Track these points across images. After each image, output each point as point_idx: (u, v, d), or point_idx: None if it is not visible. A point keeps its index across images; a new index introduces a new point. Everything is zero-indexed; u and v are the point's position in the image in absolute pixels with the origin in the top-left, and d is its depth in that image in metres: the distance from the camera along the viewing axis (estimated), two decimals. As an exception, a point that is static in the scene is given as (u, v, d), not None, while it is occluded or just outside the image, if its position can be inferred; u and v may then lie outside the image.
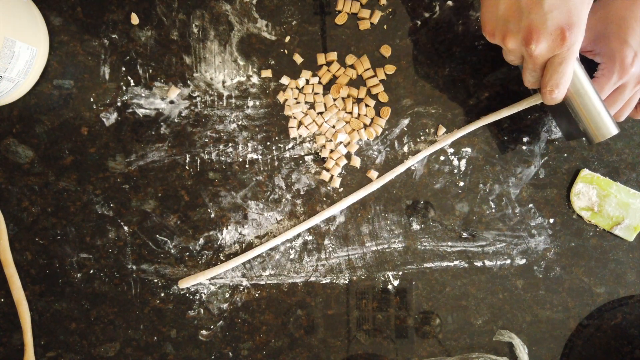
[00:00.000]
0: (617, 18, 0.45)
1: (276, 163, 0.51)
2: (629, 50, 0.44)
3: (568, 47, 0.40)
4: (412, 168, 0.52)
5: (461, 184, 0.52)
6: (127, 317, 0.51)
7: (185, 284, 0.50)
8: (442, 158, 0.52)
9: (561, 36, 0.39)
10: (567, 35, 0.39)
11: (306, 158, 0.52)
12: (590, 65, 0.46)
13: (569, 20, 0.38)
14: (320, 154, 0.51)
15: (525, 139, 0.52)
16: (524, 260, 0.53)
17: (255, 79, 0.51)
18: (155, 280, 0.51)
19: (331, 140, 0.51)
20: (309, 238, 0.52)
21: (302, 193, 0.52)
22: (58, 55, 0.50)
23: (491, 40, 0.43)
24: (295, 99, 0.51)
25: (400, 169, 0.51)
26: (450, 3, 0.51)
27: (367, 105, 0.51)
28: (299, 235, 0.52)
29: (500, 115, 0.50)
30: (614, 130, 0.44)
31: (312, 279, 0.52)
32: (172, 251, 0.51)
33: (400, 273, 0.53)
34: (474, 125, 0.51)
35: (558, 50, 0.40)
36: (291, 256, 0.52)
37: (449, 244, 0.52)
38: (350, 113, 0.51)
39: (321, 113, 0.51)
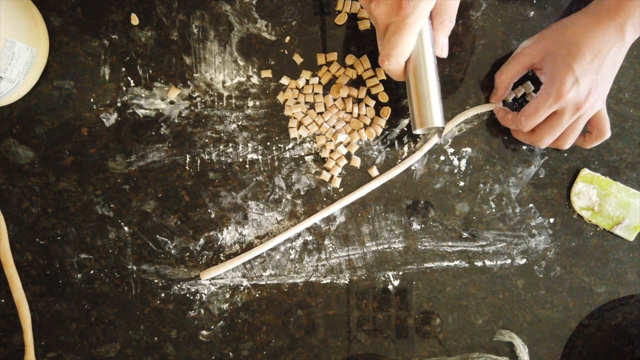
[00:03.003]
0: (570, 42, 0.44)
1: (276, 163, 0.52)
2: (571, 75, 0.43)
3: (403, 17, 0.37)
4: (412, 168, 0.52)
5: (461, 183, 0.52)
6: (127, 317, 0.51)
7: (207, 275, 0.50)
8: (442, 158, 0.52)
9: (399, 3, 0.37)
10: (404, 4, 0.36)
11: (306, 158, 0.52)
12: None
13: None
14: (320, 154, 0.51)
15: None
16: (524, 260, 0.53)
17: (255, 79, 0.51)
18: (156, 281, 0.51)
19: (331, 141, 0.51)
20: (309, 238, 0.52)
21: (302, 193, 0.52)
22: (58, 56, 0.50)
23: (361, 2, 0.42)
24: (295, 99, 0.51)
25: (403, 166, 0.51)
26: (450, 3, 0.51)
27: (367, 105, 0.51)
28: (299, 235, 0.52)
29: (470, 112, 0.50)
30: (438, 122, 0.41)
31: (313, 279, 0.52)
32: (173, 251, 0.51)
33: (400, 273, 0.53)
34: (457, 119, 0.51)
35: (394, 17, 0.38)
36: (291, 256, 0.52)
37: (450, 243, 0.52)
38: (350, 113, 0.51)
39: (321, 113, 0.51)
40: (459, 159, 0.52)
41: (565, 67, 0.43)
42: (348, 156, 0.52)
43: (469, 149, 0.52)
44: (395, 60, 0.40)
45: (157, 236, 0.51)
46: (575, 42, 0.44)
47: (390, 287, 0.53)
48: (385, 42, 0.39)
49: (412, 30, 0.39)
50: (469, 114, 0.51)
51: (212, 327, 0.52)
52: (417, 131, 0.44)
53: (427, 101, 0.41)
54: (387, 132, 0.52)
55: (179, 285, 0.52)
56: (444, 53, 0.44)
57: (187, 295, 0.52)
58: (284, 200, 0.52)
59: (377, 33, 0.42)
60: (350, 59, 0.51)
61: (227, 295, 0.52)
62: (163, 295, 0.52)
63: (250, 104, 0.51)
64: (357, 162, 0.51)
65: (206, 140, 0.51)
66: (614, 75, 0.45)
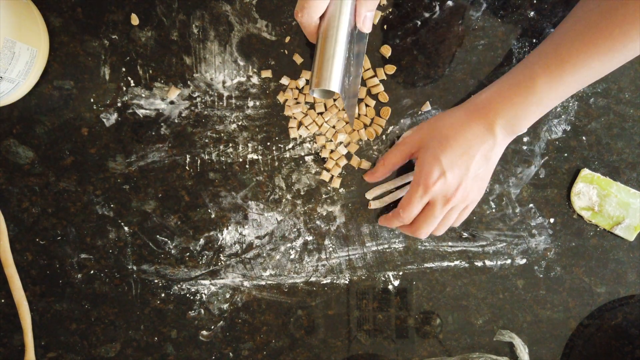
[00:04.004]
0: (441, 135, 0.45)
1: (276, 163, 0.52)
2: (437, 167, 0.44)
3: None
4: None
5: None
6: (127, 317, 0.51)
7: (371, 194, 0.51)
8: (442, 158, 0.52)
9: None
10: None
11: (306, 158, 0.52)
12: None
13: None
14: (320, 154, 0.51)
15: (525, 139, 0.52)
16: (524, 260, 0.53)
17: (255, 80, 0.51)
18: (156, 281, 0.51)
19: (331, 141, 0.51)
20: (309, 238, 0.52)
21: (302, 193, 0.52)
22: (58, 56, 0.50)
23: None
24: (295, 99, 0.51)
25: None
26: (450, 3, 0.51)
27: (367, 105, 0.51)
28: (299, 235, 0.52)
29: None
30: (334, 86, 0.40)
31: (313, 279, 0.52)
32: (173, 252, 0.51)
33: (400, 273, 0.53)
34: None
35: None
36: (291, 256, 0.52)
37: (450, 244, 0.52)
38: (351, 113, 0.51)
39: (321, 113, 0.51)
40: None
41: (433, 158, 0.44)
42: (348, 156, 0.52)
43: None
44: (307, 14, 0.39)
45: (157, 236, 0.51)
46: (446, 136, 0.44)
47: (390, 287, 0.53)
48: None
49: None
50: (397, 183, 0.51)
51: (212, 327, 0.52)
52: (313, 93, 0.43)
53: (329, 63, 0.40)
54: (387, 132, 0.52)
55: (179, 286, 0.52)
56: (365, 27, 0.43)
57: (187, 295, 0.52)
58: (284, 200, 0.52)
59: None
60: (350, 59, 0.51)
61: (227, 296, 0.52)
62: (163, 295, 0.52)
63: (250, 104, 0.51)
64: (356, 162, 0.51)
65: (206, 140, 0.51)
66: (489, 173, 0.46)
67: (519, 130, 0.44)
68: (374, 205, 0.51)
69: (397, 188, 0.52)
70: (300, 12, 0.40)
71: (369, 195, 0.51)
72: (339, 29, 0.40)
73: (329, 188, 0.52)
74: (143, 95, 0.51)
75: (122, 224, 0.51)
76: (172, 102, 0.51)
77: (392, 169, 0.50)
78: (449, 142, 0.44)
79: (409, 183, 0.51)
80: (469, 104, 0.46)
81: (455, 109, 0.47)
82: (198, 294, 0.52)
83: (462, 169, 0.44)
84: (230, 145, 0.51)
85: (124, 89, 0.51)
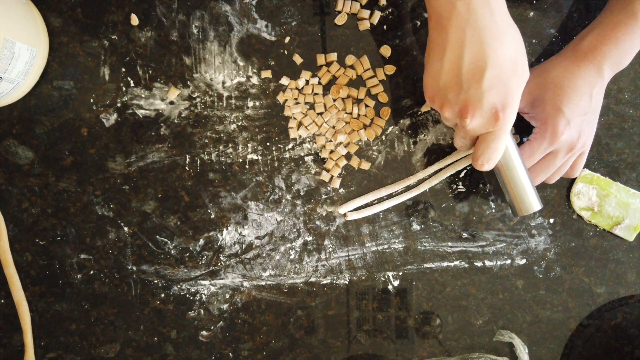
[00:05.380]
0: (554, 85, 0.45)
1: (276, 164, 0.52)
2: (562, 118, 0.44)
3: (501, 127, 0.40)
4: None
5: (461, 184, 0.52)
6: (127, 318, 0.51)
7: (345, 208, 0.51)
8: (442, 158, 0.52)
9: (495, 116, 0.40)
10: (501, 116, 0.39)
11: (306, 158, 0.52)
12: (527, 126, 0.48)
13: (504, 101, 0.39)
14: (320, 154, 0.51)
15: (525, 139, 0.52)
16: (524, 261, 0.53)
17: (255, 80, 0.51)
18: (156, 281, 0.51)
19: (331, 141, 0.51)
20: (309, 238, 0.52)
21: (302, 193, 0.52)
22: (58, 56, 0.50)
23: (430, 105, 0.44)
24: (295, 99, 0.51)
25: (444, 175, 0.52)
26: (449, 3, 0.51)
27: (367, 106, 0.51)
28: (298, 235, 0.52)
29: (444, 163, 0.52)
30: (537, 206, 0.45)
31: (313, 279, 0.52)
32: (172, 252, 0.51)
33: (400, 273, 0.53)
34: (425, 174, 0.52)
35: (491, 128, 0.41)
36: (291, 257, 0.52)
37: (449, 244, 0.52)
38: (350, 113, 0.51)
39: (321, 113, 0.51)
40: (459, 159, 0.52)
41: (555, 110, 0.45)
42: (348, 156, 0.52)
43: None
44: (494, 162, 0.43)
45: (157, 236, 0.51)
46: (559, 85, 0.45)
47: (390, 287, 0.53)
48: (485, 149, 0.42)
49: (507, 135, 0.42)
50: (451, 169, 0.51)
51: (212, 327, 0.52)
52: (520, 216, 0.49)
53: (524, 191, 0.45)
54: (387, 132, 0.52)
55: (178, 286, 0.52)
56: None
57: (187, 295, 0.52)
58: (283, 200, 0.52)
59: (461, 135, 0.44)
60: (350, 60, 0.51)
61: (227, 296, 0.52)
62: (163, 295, 0.51)
63: (250, 104, 0.51)
64: (356, 162, 0.51)
65: (206, 141, 0.51)
66: (598, 113, 0.47)
67: (623, 65, 0.46)
68: (351, 216, 0.51)
69: (372, 202, 0.52)
70: (486, 164, 0.43)
71: (342, 209, 0.51)
72: (513, 159, 0.45)
73: (328, 188, 0.52)
74: (143, 96, 0.51)
75: (122, 224, 0.51)
76: (171, 103, 0.51)
77: None
78: (565, 91, 0.45)
79: (381, 199, 0.51)
80: (573, 51, 0.46)
81: (559, 58, 0.47)
82: (198, 295, 0.52)
83: (581, 115, 0.45)
84: (230, 145, 0.51)
85: (124, 89, 0.51)
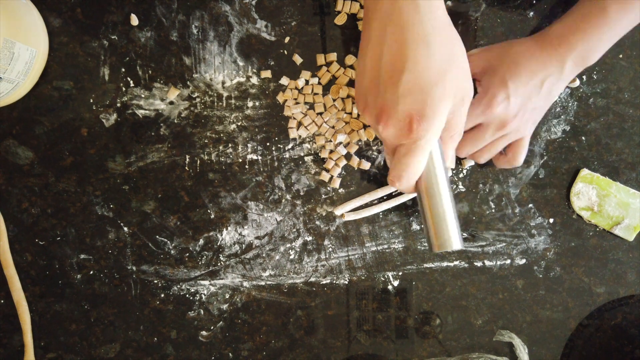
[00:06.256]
0: (511, 60, 0.44)
1: (276, 164, 0.52)
2: (503, 91, 0.43)
3: (414, 140, 0.36)
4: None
5: (461, 184, 0.52)
6: (127, 318, 0.51)
7: (341, 209, 0.51)
8: (441, 158, 0.52)
9: (408, 126, 0.35)
10: (415, 127, 0.35)
11: (306, 159, 0.52)
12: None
13: (420, 110, 0.35)
14: (319, 154, 0.51)
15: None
16: (524, 260, 0.53)
17: (254, 80, 0.51)
18: (155, 281, 0.51)
19: (331, 141, 0.51)
20: (309, 238, 0.52)
21: (302, 194, 0.52)
22: (58, 57, 0.50)
23: (357, 109, 0.41)
24: (295, 99, 0.51)
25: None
26: (450, 3, 0.51)
27: (366, 106, 0.51)
28: (298, 235, 0.52)
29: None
30: (455, 244, 0.39)
31: (312, 279, 0.52)
32: (172, 252, 0.51)
33: (400, 273, 0.53)
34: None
35: (404, 139, 0.36)
36: (291, 257, 0.52)
37: (449, 244, 0.52)
38: (350, 113, 0.51)
39: (321, 113, 0.51)
40: (459, 159, 0.52)
41: (501, 81, 0.44)
42: (348, 156, 0.52)
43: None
44: (407, 181, 0.38)
45: (157, 237, 0.51)
46: (515, 62, 0.44)
47: (389, 287, 0.53)
48: (396, 163, 0.37)
49: (424, 152, 0.37)
50: (366, 199, 0.51)
51: (212, 327, 0.52)
52: (434, 252, 0.43)
53: (444, 222, 0.39)
54: (386, 132, 0.52)
55: (178, 286, 0.52)
56: (452, 164, 0.43)
57: (187, 295, 0.52)
58: (283, 200, 0.52)
59: (385, 149, 0.40)
60: (350, 59, 0.51)
61: (227, 296, 0.52)
62: (163, 295, 0.52)
63: (250, 104, 0.51)
64: (355, 162, 0.51)
65: (206, 141, 0.51)
66: (547, 106, 0.46)
67: (588, 62, 0.44)
68: (348, 217, 0.51)
69: (367, 205, 0.52)
70: (397, 181, 0.38)
71: (338, 211, 0.51)
72: (439, 184, 0.39)
73: (328, 188, 0.52)
74: (142, 96, 0.51)
75: (122, 224, 0.51)
76: (171, 103, 0.51)
77: None
78: (518, 68, 0.44)
79: (381, 199, 0.51)
80: (540, 36, 0.45)
81: (527, 39, 0.46)
82: (197, 295, 0.52)
83: (525, 98, 0.43)
84: (230, 145, 0.51)
85: (124, 89, 0.51)
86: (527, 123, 0.45)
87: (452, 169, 0.52)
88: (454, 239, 0.39)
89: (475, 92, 0.46)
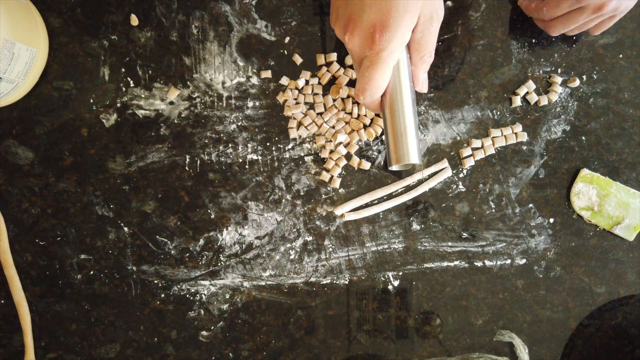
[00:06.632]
0: None
1: (276, 164, 0.52)
2: None
3: (377, 52, 0.36)
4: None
5: (461, 184, 0.52)
6: (127, 318, 0.51)
7: (341, 209, 0.51)
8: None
9: (372, 36, 0.36)
10: (377, 38, 0.35)
11: (306, 159, 0.52)
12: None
13: (384, 21, 0.35)
14: (320, 154, 0.51)
15: (525, 139, 0.52)
16: (524, 260, 0.53)
17: (254, 80, 0.51)
18: (156, 281, 0.51)
19: (331, 141, 0.51)
20: (309, 238, 0.52)
21: (302, 194, 0.52)
22: (58, 57, 0.50)
23: (331, 24, 0.41)
24: (295, 99, 0.51)
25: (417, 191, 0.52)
26: (450, 3, 0.51)
27: (366, 106, 0.51)
28: (299, 235, 0.52)
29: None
30: (414, 159, 0.40)
31: (313, 279, 0.52)
32: (172, 252, 0.51)
33: (400, 273, 0.53)
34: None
35: (368, 51, 0.37)
36: (291, 257, 0.52)
37: (449, 244, 0.52)
38: (350, 113, 0.51)
39: (321, 114, 0.51)
40: (459, 159, 0.52)
41: None
42: (348, 156, 0.52)
43: (468, 149, 0.52)
44: (370, 95, 0.39)
45: (157, 237, 0.51)
46: None
47: (390, 287, 0.53)
48: (360, 76, 0.38)
49: (386, 64, 0.37)
50: (366, 199, 0.51)
51: (212, 327, 0.52)
52: (393, 167, 0.43)
53: (403, 137, 0.40)
54: (386, 132, 0.52)
55: (178, 286, 0.52)
56: (424, 88, 0.43)
57: (187, 295, 0.52)
58: (283, 200, 0.52)
59: (354, 65, 0.40)
60: (350, 59, 0.51)
61: (227, 296, 0.52)
62: (163, 295, 0.52)
63: (250, 104, 0.51)
64: (355, 162, 0.51)
65: (206, 141, 0.51)
66: None
67: None
68: (349, 217, 0.51)
69: (367, 205, 0.52)
70: (361, 94, 0.39)
71: (338, 211, 0.51)
72: (403, 102, 0.39)
73: (328, 188, 0.52)
74: (142, 96, 0.51)
75: (122, 224, 0.51)
76: (171, 103, 0.51)
77: None
78: None
79: (381, 199, 0.51)
80: None
81: None
82: (198, 295, 0.52)
83: None
84: (230, 145, 0.51)
85: (124, 89, 0.51)
86: (627, 1, 0.42)
87: (423, 94, 0.49)
88: (412, 153, 0.40)
89: None
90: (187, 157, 0.51)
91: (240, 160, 0.51)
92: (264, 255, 0.52)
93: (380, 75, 0.38)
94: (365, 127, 0.52)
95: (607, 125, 0.53)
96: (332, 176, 0.51)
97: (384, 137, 0.41)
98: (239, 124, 0.51)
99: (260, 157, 0.51)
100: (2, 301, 0.51)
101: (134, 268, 0.51)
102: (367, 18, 0.36)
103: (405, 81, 0.40)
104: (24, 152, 0.50)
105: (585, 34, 0.51)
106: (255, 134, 0.51)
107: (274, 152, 0.51)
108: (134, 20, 0.50)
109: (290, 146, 0.52)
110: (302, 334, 0.52)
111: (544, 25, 0.47)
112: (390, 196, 0.52)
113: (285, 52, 0.51)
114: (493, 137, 0.52)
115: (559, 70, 0.52)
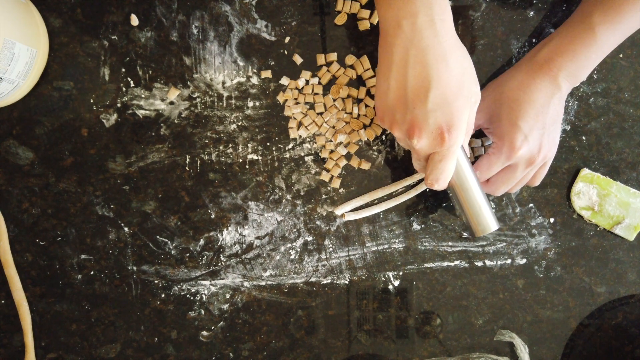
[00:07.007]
0: (510, 100, 0.45)
1: (276, 164, 0.52)
2: (519, 133, 0.44)
3: (447, 147, 0.40)
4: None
5: (461, 184, 0.52)
6: (127, 318, 0.51)
7: (341, 209, 0.51)
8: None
9: (441, 136, 0.39)
10: (446, 137, 0.39)
11: (306, 159, 0.52)
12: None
13: (449, 122, 0.39)
14: (320, 154, 0.51)
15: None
16: (524, 260, 0.53)
17: (255, 80, 0.51)
18: (156, 281, 0.51)
19: (331, 141, 0.51)
20: (310, 238, 0.52)
21: (302, 194, 0.52)
22: (58, 57, 0.50)
23: (381, 124, 0.44)
24: (295, 99, 0.51)
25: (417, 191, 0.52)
26: (449, 3, 0.51)
27: (367, 106, 0.51)
28: (299, 235, 0.52)
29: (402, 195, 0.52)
30: (493, 226, 0.45)
31: (313, 279, 0.52)
32: (173, 252, 0.51)
33: (400, 273, 0.53)
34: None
35: (438, 148, 0.40)
36: (292, 257, 0.52)
37: (450, 243, 0.52)
38: (350, 113, 0.51)
39: (321, 113, 0.51)
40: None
41: (512, 126, 0.44)
42: (348, 156, 0.52)
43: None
44: (444, 183, 0.43)
45: (157, 237, 0.51)
46: (515, 100, 0.45)
47: (390, 287, 0.53)
48: (433, 168, 0.42)
49: (455, 155, 0.41)
50: (366, 199, 0.52)
51: (213, 327, 0.52)
52: (478, 236, 0.49)
53: (482, 210, 0.45)
54: (387, 132, 0.52)
55: (179, 286, 0.52)
56: (470, 156, 0.47)
57: (188, 295, 0.52)
58: (284, 200, 0.52)
59: (416, 157, 0.44)
60: (350, 59, 0.51)
61: (228, 296, 0.52)
62: (163, 295, 0.52)
63: (250, 104, 0.51)
64: (356, 162, 0.51)
65: (206, 141, 0.51)
66: (559, 124, 0.46)
67: (580, 79, 0.45)
68: (349, 217, 0.51)
69: (367, 205, 0.52)
70: (436, 183, 0.42)
71: (339, 211, 0.51)
72: (468, 178, 0.44)
73: (328, 188, 0.52)
74: (143, 96, 0.51)
75: (122, 224, 0.51)
76: (171, 103, 0.51)
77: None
78: (521, 105, 0.44)
79: (381, 199, 0.51)
80: (528, 63, 0.46)
81: (514, 71, 0.47)
82: (198, 295, 0.52)
83: (540, 129, 0.44)
84: (230, 145, 0.51)
85: (124, 89, 0.51)
86: (552, 146, 0.46)
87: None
88: (492, 223, 0.45)
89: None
90: (188, 157, 0.51)
91: (241, 160, 0.51)
92: (264, 255, 0.52)
93: (452, 165, 0.42)
94: (365, 127, 0.52)
95: (607, 125, 0.53)
96: (332, 176, 0.51)
97: (456, 207, 0.48)
98: (239, 124, 0.51)
99: (260, 157, 0.51)
100: (3, 301, 0.51)
101: (134, 268, 0.51)
102: (433, 122, 0.39)
103: (465, 160, 0.44)
104: (24, 152, 0.50)
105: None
106: (255, 134, 0.51)
107: (274, 152, 0.51)
108: (134, 20, 0.50)
109: (290, 146, 0.52)
110: (303, 334, 0.52)
111: (487, 188, 0.49)
112: (390, 196, 0.52)
113: (286, 52, 0.51)
114: None
115: (559, 70, 0.52)
